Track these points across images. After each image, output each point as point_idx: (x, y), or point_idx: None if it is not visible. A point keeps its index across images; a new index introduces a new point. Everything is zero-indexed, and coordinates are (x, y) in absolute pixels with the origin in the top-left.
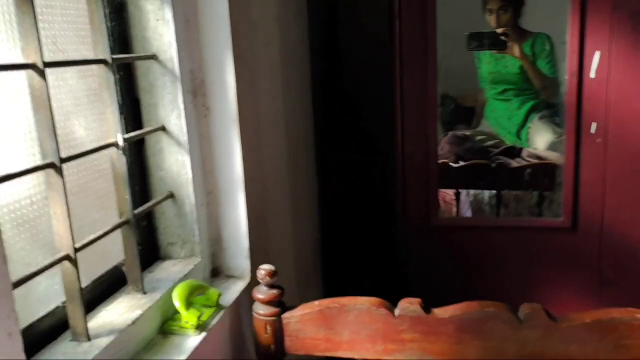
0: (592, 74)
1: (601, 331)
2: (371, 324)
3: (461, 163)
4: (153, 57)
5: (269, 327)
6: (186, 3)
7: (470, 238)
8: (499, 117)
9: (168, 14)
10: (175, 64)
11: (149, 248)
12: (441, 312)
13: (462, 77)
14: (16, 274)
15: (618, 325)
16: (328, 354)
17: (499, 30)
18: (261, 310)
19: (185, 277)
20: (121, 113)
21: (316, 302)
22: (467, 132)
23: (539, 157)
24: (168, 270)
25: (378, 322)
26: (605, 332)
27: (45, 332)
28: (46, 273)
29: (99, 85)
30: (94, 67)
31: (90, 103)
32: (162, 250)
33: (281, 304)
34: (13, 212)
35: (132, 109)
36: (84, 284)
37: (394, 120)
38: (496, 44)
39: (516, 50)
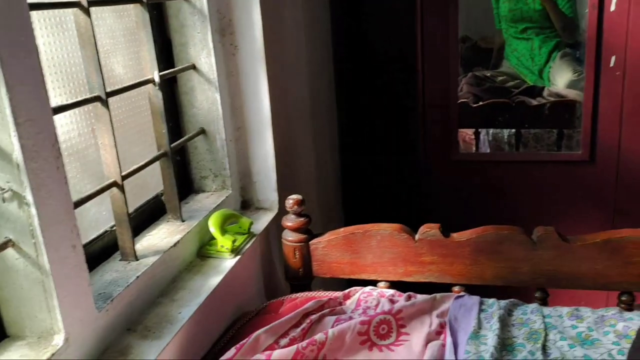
0: (613, 7)
1: (611, 250)
2: (393, 247)
3: (480, 103)
4: None
5: (297, 252)
6: None
7: (489, 172)
8: (520, 57)
9: None
10: (204, 4)
11: (183, 181)
12: (458, 235)
13: (481, 18)
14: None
15: (627, 244)
16: (353, 276)
17: None
18: (290, 237)
19: (218, 207)
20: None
21: (342, 229)
22: (487, 73)
23: (559, 95)
24: (202, 202)
25: (399, 246)
26: (615, 251)
27: (97, 252)
28: (94, 200)
29: (136, 24)
30: (129, 7)
31: (127, 42)
32: (195, 183)
33: (308, 232)
34: (64, 143)
35: (164, 48)
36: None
37: (415, 61)
38: None
39: None
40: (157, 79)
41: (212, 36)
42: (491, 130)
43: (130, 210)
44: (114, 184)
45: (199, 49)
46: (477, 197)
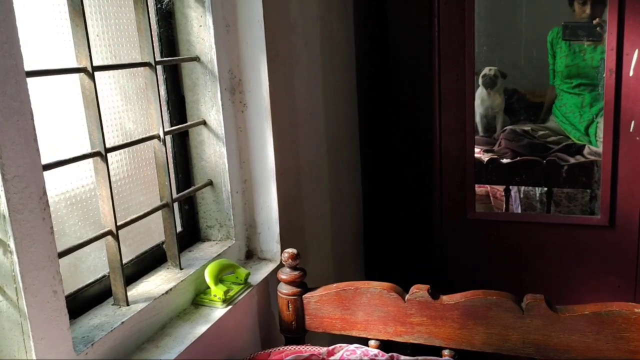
0: (631, 72)
1: (600, 323)
2: (383, 306)
3: (508, 160)
4: (196, 59)
5: (290, 305)
6: (227, 10)
7: (504, 234)
8: (568, 113)
9: (209, 20)
10: (214, 65)
11: (190, 230)
12: (447, 298)
13: (532, 73)
14: (69, 244)
15: (617, 318)
16: (344, 332)
17: (595, 21)
18: (284, 290)
19: (218, 257)
20: (168, 109)
21: (334, 285)
22: (527, 128)
23: (600, 155)
24: (205, 251)
25: (389, 305)
26: (605, 324)
27: (93, 297)
28: (95, 248)
29: (145, 84)
30: (141, 68)
31: (139, 100)
32: (202, 232)
33: (303, 285)
34: (68, 193)
35: (178, 105)
36: (130, 258)
37: (433, 117)
38: (592, 34)
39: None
40: (161, 135)
41: (221, 94)
42: (523, 188)
43: (133, 256)
44: (108, 233)
45: (209, 106)
46: (492, 258)
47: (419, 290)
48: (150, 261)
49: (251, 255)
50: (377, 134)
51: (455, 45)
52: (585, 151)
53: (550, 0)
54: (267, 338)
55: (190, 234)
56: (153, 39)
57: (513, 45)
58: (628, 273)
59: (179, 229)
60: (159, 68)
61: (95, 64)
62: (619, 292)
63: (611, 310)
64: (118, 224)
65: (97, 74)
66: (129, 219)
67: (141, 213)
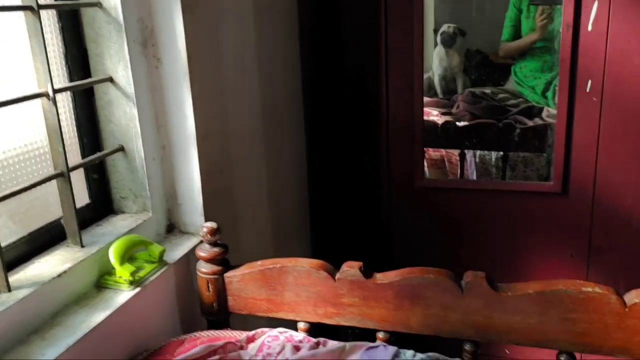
0: (590, 27)
1: (545, 303)
2: (311, 286)
3: (465, 123)
4: (97, 4)
5: (210, 285)
6: None
7: (455, 201)
8: (527, 75)
9: None
10: (119, 12)
11: (100, 202)
12: (381, 277)
13: (496, 33)
14: None
15: (563, 297)
16: (271, 315)
17: None
18: (204, 268)
19: (130, 232)
20: (67, 63)
21: (259, 262)
22: (486, 90)
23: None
24: (115, 225)
25: (318, 285)
26: (550, 304)
27: None
28: None
29: (28, 33)
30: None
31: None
32: (115, 204)
33: (225, 262)
34: None
35: (80, 60)
36: (20, 235)
37: (379, 76)
38: None
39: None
40: (50, 93)
41: (129, 47)
42: (478, 152)
43: (24, 233)
44: None
45: (116, 61)
46: (441, 230)
47: (350, 268)
48: (47, 239)
49: (172, 229)
50: (321, 96)
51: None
52: (544, 114)
53: None
54: (189, 322)
55: (102, 206)
56: None
57: (477, 3)
58: (581, 242)
59: (86, 200)
60: (51, 14)
61: None
62: (572, 262)
63: (557, 289)
64: None
65: None
66: (10, 190)
67: (26, 184)
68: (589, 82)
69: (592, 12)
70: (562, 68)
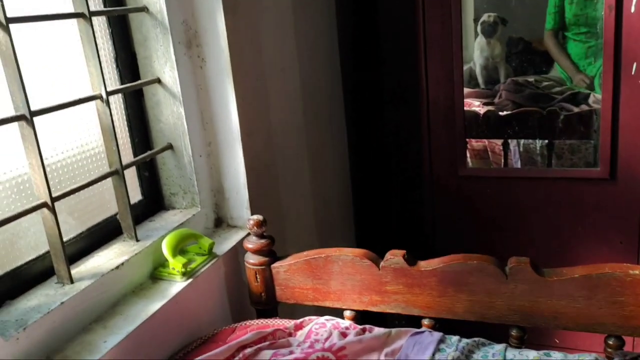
0: (633, 8)
1: (592, 287)
2: (356, 275)
3: (506, 112)
4: (143, 9)
5: (258, 276)
6: None
7: (499, 189)
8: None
9: None
10: (164, 16)
11: (152, 199)
12: (425, 264)
13: (539, 20)
14: None
15: (610, 280)
16: (317, 303)
17: None
18: (251, 260)
19: (181, 226)
20: (117, 67)
21: (304, 253)
22: (530, 79)
23: None
24: (167, 220)
25: (363, 273)
26: (597, 288)
27: (35, 275)
28: (36, 221)
29: (80, 39)
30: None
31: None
32: (165, 200)
33: (272, 254)
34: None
35: (129, 63)
36: (79, 231)
37: (418, 68)
38: None
39: None
40: (104, 95)
41: (175, 48)
42: (522, 141)
43: (83, 229)
44: (43, 205)
45: (163, 62)
46: (486, 218)
47: (393, 257)
48: (105, 234)
49: (220, 222)
50: (361, 90)
51: None
52: (591, 99)
53: None
54: (239, 311)
55: (153, 203)
56: None
57: None
58: (631, 228)
59: (139, 197)
60: (101, 20)
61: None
62: (622, 249)
63: (604, 273)
64: (55, 195)
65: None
66: (66, 189)
67: (83, 182)
68: (634, 64)
69: None
70: (605, 52)
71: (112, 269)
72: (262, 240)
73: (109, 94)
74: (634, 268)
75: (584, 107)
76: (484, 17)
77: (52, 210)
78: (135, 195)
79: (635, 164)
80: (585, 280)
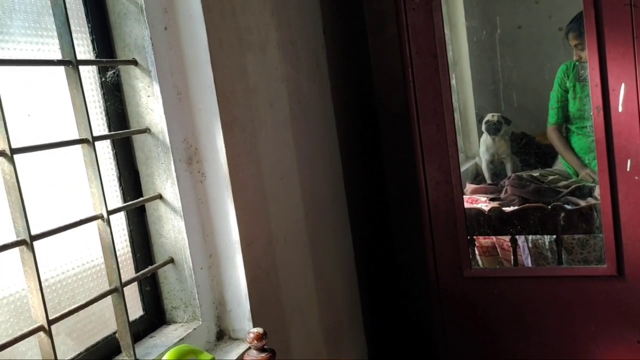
0: (620, 108)
1: None
2: None
3: (512, 208)
4: (146, 130)
5: None
6: (177, 77)
7: (506, 289)
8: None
9: (157, 89)
10: (166, 136)
11: (154, 313)
12: None
13: (542, 115)
14: None
15: None
16: None
17: None
18: None
19: (182, 342)
20: (120, 185)
21: None
22: (535, 173)
23: None
24: (168, 335)
25: None
26: None
27: None
28: (33, 345)
29: (84, 162)
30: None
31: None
32: (167, 314)
33: None
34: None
35: (132, 181)
36: (78, 352)
37: (417, 170)
38: None
39: None
40: (105, 215)
41: (176, 165)
42: (530, 237)
43: (82, 349)
44: (40, 329)
45: (164, 179)
46: (495, 319)
47: None
48: (103, 354)
49: (223, 335)
50: (363, 194)
51: (432, 95)
52: (596, 192)
53: (552, 43)
54: None
55: (155, 317)
56: (101, 114)
57: (518, 87)
58: None
59: (140, 312)
60: (105, 142)
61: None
62: (633, 351)
63: None
64: (52, 318)
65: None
66: (63, 312)
67: (81, 303)
68: (629, 161)
69: (621, 94)
70: (598, 150)
71: None
72: (263, 354)
73: (110, 212)
74: None
75: (591, 200)
76: (488, 117)
77: (49, 334)
78: (137, 310)
79: None
80: None
